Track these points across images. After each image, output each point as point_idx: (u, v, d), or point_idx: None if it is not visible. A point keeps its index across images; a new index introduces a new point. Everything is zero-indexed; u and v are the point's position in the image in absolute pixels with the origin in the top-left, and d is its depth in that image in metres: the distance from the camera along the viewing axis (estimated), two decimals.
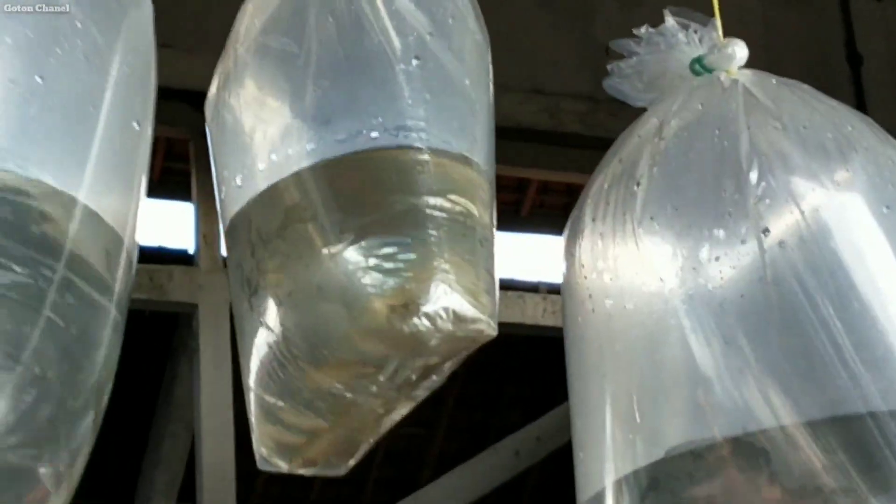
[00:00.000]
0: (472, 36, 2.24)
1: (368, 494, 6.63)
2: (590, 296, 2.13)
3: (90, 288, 1.67)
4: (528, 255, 6.51)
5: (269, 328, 2.09)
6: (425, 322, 2.00)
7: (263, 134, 2.14)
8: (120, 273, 1.75)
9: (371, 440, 2.19)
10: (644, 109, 2.26)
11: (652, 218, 2.06)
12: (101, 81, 1.73)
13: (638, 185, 2.09)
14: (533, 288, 5.75)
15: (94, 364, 1.69)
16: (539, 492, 6.86)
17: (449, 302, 2.01)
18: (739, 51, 2.22)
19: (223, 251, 4.50)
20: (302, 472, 2.20)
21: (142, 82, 1.83)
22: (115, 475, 5.56)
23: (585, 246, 2.16)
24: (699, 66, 2.23)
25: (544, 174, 5.36)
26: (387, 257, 2.01)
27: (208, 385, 4.36)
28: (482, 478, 5.19)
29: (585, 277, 2.15)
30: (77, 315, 1.66)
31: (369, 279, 2.00)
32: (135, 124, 1.80)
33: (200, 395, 4.36)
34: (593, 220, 2.15)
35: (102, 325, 1.70)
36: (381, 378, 2.06)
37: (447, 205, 2.06)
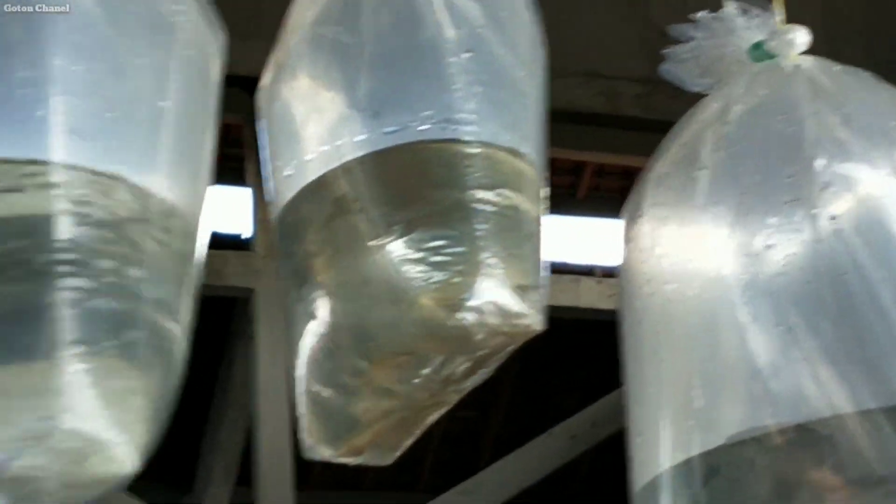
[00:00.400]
0: (525, 28, 2.23)
1: (424, 477, 6.65)
2: (648, 280, 2.12)
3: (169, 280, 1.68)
4: (583, 239, 6.49)
5: (317, 318, 2.10)
6: (473, 316, 2.00)
7: (314, 124, 2.14)
8: (194, 268, 1.76)
9: (417, 431, 2.19)
10: (700, 94, 2.25)
11: (715, 203, 2.04)
12: (167, 75, 1.73)
13: (700, 169, 2.08)
14: (588, 271, 5.74)
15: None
16: (594, 476, 6.86)
17: (496, 296, 2.01)
18: (801, 37, 2.20)
19: None
20: (347, 461, 2.21)
21: (203, 73, 1.82)
22: (175, 460, 5.60)
23: (645, 230, 2.15)
24: (759, 52, 2.21)
25: (601, 157, 5.34)
26: (435, 251, 2.00)
27: (265, 370, 4.37)
28: (537, 462, 5.18)
29: (644, 261, 2.14)
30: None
31: (417, 273, 2.00)
32: (199, 114, 1.80)
33: (257, 380, 4.37)
34: (653, 204, 2.14)
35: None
36: (427, 371, 2.06)
37: (496, 199, 2.05)
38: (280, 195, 2.20)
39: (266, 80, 2.28)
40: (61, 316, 1.53)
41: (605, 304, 4.75)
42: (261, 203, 4.51)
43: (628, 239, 2.20)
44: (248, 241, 4.69)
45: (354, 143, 2.08)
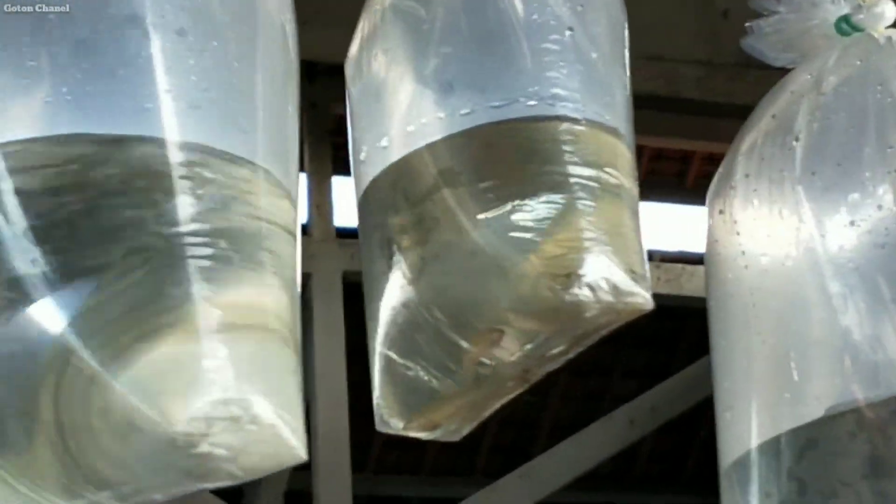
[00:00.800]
0: (617, 8, 2.24)
1: (482, 462, 6.64)
2: (743, 252, 2.12)
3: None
4: (642, 223, 6.46)
5: (409, 290, 2.09)
6: (586, 293, 1.99)
7: (416, 96, 2.13)
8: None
9: (492, 409, 2.19)
10: (780, 71, 2.24)
11: (813, 173, 2.04)
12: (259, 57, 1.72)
13: (796, 140, 2.08)
14: (647, 256, 5.71)
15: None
16: (653, 461, 6.84)
17: (610, 273, 2.00)
18: (889, 10, 2.20)
19: (335, 221, 4.52)
20: (418, 435, 2.20)
21: (287, 49, 1.81)
22: None
23: (738, 202, 2.15)
24: (846, 26, 2.21)
25: (659, 141, 5.31)
26: (546, 227, 2.00)
27: (322, 353, 4.38)
28: (596, 446, 5.17)
29: (738, 234, 2.13)
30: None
31: (529, 247, 2.00)
32: (287, 97, 1.78)
33: (314, 364, 4.38)
34: (746, 175, 2.14)
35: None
36: (528, 348, 2.05)
37: (603, 176, 2.06)
38: (371, 166, 2.19)
39: (353, 51, 2.28)
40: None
41: (664, 289, 4.71)
42: (317, 188, 4.51)
43: (718, 211, 2.20)
44: (304, 225, 4.70)
45: (460, 115, 2.08)
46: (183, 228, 1.53)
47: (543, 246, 1.99)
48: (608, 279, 2.00)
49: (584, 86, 2.10)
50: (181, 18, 1.61)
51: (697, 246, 5.21)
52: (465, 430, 2.23)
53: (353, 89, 2.28)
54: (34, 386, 1.46)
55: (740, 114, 4.27)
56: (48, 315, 1.47)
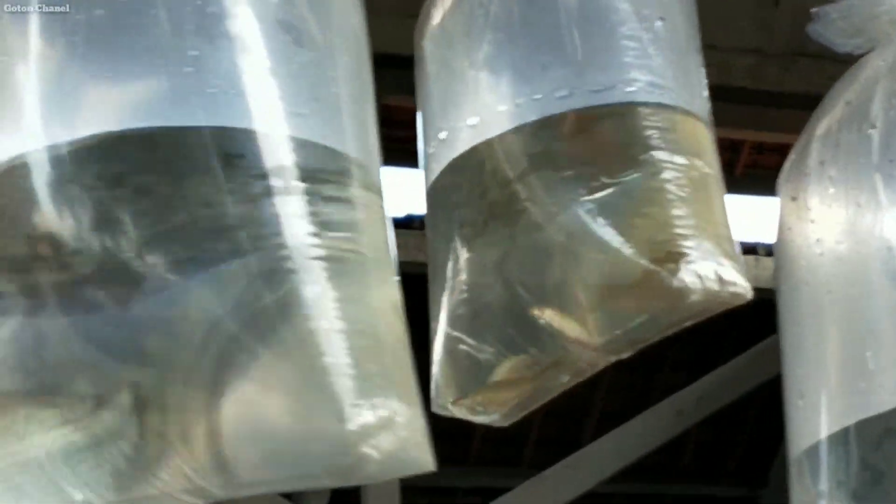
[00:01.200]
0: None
1: (529, 453, 6.63)
2: (818, 240, 2.10)
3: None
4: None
5: (494, 271, 2.08)
6: (693, 279, 1.98)
7: (509, 76, 2.12)
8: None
9: (550, 396, 2.18)
10: (831, 60, 2.23)
11: (891, 161, 2.02)
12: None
13: (873, 127, 2.07)
14: None
15: None
16: (701, 452, 6.81)
17: (716, 261, 2.00)
18: None
19: None
20: (469, 416, 2.20)
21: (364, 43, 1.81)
22: None
23: (812, 189, 2.14)
24: None
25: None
26: (649, 211, 2.00)
27: None
28: (643, 437, 5.16)
29: (812, 221, 2.13)
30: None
31: (633, 233, 1.99)
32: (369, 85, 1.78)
33: None
34: (821, 163, 2.13)
35: None
36: (618, 333, 2.04)
37: (697, 164, 2.06)
38: (456, 143, 2.18)
39: (431, 32, 2.27)
40: None
41: None
42: None
43: (791, 198, 2.19)
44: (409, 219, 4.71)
45: (556, 99, 2.07)
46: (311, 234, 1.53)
47: (647, 231, 1.99)
48: (715, 267, 1.99)
49: (677, 74, 2.11)
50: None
51: (746, 235, 5.18)
52: (514, 419, 2.23)
53: (430, 67, 2.26)
54: (196, 377, 1.45)
55: (791, 103, 4.25)
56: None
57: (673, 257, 1.98)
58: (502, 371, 2.10)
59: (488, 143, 2.12)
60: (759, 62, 4.55)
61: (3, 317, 1.49)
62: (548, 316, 2.04)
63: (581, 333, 2.04)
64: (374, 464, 1.48)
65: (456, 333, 2.13)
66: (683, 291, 1.98)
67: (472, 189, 2.14)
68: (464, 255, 2.13)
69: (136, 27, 1.55)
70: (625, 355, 2.11)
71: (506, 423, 2.24)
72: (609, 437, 5.16)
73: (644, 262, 1.98)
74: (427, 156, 2.24)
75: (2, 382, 1.48)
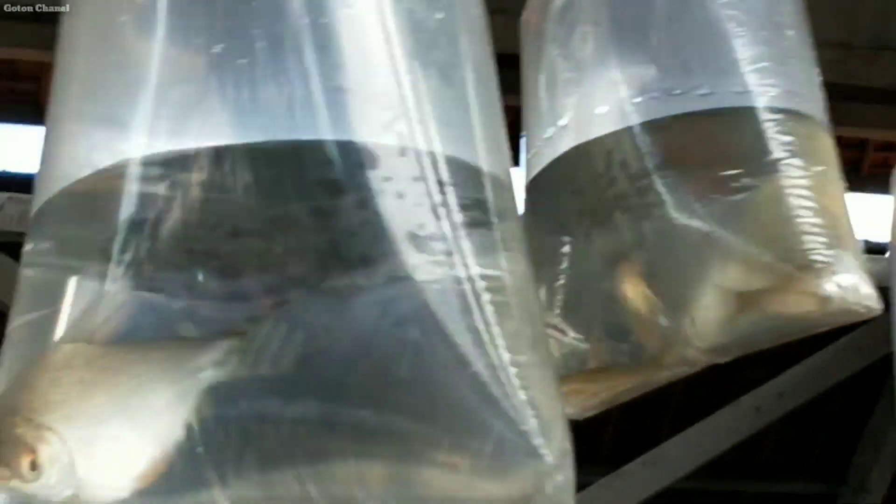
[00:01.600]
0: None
1: (605, 448, 6.61)
2: None
3: None
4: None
5: (605, 260, 2.08)
6: (834, 289, 1.95)
7: (647, 70, 2.11)
8: None
9: (630, 396, 2.17)
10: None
11: None
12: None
13: None
14: None
15: None
16: (779, 448, 6.76)
17: (856, 273, 1.97)
18: None
19: None
20: None
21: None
22: None
23: None
24: None
25: None
26: (791, 218, 1.97)
27: None
28: (722, 433, 5.13)
29: None
30: None
31: (776, 237, 1.97)
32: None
33: None
34: None
35: None
36: (738, 336, 2.03)
37: (832, 174, 2.04)
38: (582, 128, 2.17)
39: (550, 20, 2.26)
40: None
41: None
42: None
43: None
44: None
45: (697, 96, 2.06)
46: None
47: (788, 237, 1.97)
48: (855, 280, 1.97)
49: (809, 83, 2.10)
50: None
51: None
52: (592, 412, 2.22)
53: (552, 51, 2.25)
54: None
55: (874, 97, 4.20)
56: None
57: (815, 266, 1.95)
58: (597, 359, 2.09)
59: (619, 134, 2.11)
60: (842, 56, 4.51)
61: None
62: (660, 310, 2.03)
63: (694, 333, 2.03)
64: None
65: (559, 322, 2.12)
66: (825, 301, 1.96)
67: (596, 179, 2.13)
68: (575, 243, 2.13)
69: None
70: (729, 358, 2.10)
71: (582, 417, 2.23)
72: (687, 434, 5.14)
73: (787, 267, 1.96)
74: (539, 144, 2.23)
75: None
